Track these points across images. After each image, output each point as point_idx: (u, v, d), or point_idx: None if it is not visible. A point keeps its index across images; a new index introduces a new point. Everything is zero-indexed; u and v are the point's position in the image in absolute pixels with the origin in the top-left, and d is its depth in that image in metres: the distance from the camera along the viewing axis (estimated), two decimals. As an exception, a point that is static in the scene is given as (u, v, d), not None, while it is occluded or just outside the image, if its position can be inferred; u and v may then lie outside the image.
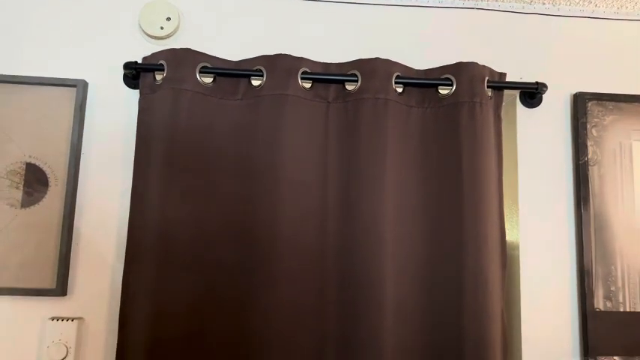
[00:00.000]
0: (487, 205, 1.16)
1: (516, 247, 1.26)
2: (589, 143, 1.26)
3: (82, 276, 1.16)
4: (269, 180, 1.16)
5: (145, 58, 1.20)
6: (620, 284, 1.22)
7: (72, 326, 1.13)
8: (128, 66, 1.17)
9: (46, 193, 1.18)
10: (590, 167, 1.26)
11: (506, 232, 1.23)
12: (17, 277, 1.14)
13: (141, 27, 1.24)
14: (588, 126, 1.27)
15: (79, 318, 1.15)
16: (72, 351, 1.12)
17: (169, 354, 1.10)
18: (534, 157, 1.28)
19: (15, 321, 1.14)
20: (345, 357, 1.13)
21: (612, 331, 1.20)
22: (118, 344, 1.09)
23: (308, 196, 1.18)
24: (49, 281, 1.15)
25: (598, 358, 1.19)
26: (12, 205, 1.16)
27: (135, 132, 1.20)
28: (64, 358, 1.12)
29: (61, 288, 1.14)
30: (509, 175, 1.29)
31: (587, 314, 1.21)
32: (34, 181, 1.18)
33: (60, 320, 1.13)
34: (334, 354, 1.13)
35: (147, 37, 1.25)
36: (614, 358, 1.20)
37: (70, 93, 1.20)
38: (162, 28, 1.24)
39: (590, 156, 1.26)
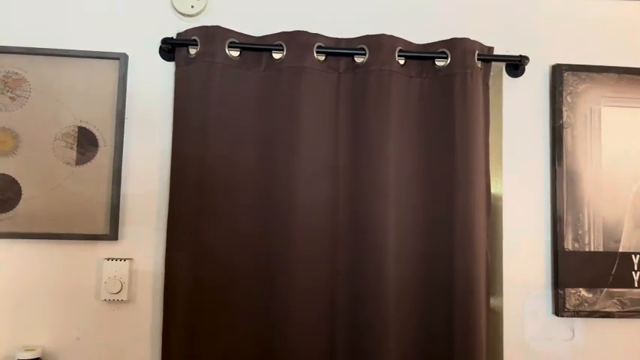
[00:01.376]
0: (475, 162, 1.37)
1: (500, 199, 1.47)
2: (564, 109, 1.46)
3: (130, 223, 1.36)
4: (288, 142, 1.35)
5: (179, 34, 1.36)
6: (586, 228, 1.44)
7: (124, 265, 1.34)
8: (165, 41, 1.34)
9: (96, 152, 1.36)
10: (564, 129, 1.46)
11: (491, 185, 1.43)
12: (76, 225, 1.34)
13: (173, 5, 1.40)
14: (564, 93, 1.46)
15: (130, 259, 1.35)
16: (125, 286, 1.33)
17: (205, 293, 1.31)
18: (517, 121, 1.48)
19: (77, 261, 1.34)
20: (353, 290, 1.34)
21: (578, 268, 1.43)
22: (165, 282, 1.30)
23: (322, 155, 1.37)
24: (102, 228, 1.35)
25: (566, 289, 1.42)
26: (68, 163, 1.35)
27: (171, 99, 1.37)
28: (119, 291, 1.33)
29: (113, 233, 1.34)
30: (495, 136, 1.49)
31: (558, 254, 1.43)
32: (86, 142, 1.36)
33: (114, 260, 1.34)
34: (345, 286, 1.34)
35: (178, 14, 1.41)
36: (580, 289, 1.43)
37: (114, 65, 1.37)
38: (192, 6, 1.40)
39: (564, 120, 1.46)
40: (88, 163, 1.36)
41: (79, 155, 1.35)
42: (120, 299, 1.32)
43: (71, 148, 1.35)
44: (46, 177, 1.34)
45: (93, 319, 1.33)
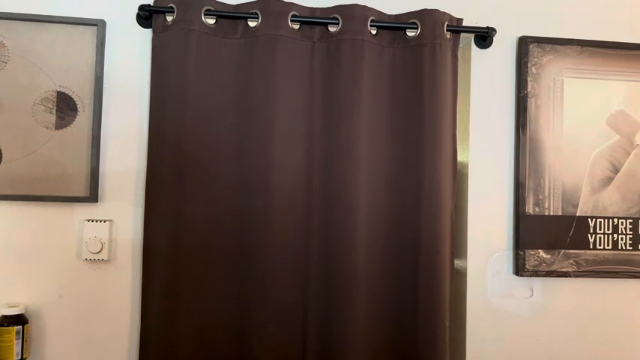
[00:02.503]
0: (443, 129, 1.43)
1: (466, 166, 1.55)
2: (529, 79, 1.53)
3: (110, 186, 1.41)
4: (264, 109, 1.40)
5: (156, 1, 1.39)
6: (546, 194, 1.52)
7: (104, 226, 1.39)
8: (143, 8, 1.37)
9: (75, 117, 1.40)
10: (528, 99, 1.53)
11: (458, 153, 1.50)
12: (57, 187, 1.38)
13: (150, -27, 1.42)
14: (529, 64, 1.53)
15: (110, 220, 1.40)
16: (106, 246, 1.38)
17: (184, 254, 1.36)
18: (484, 91, 1.54)
19: (58, 222, 1.39)
20: (325, 246, 1.41)
21: (538, 230, 1.52)
22: (144, 244, 1.36)
23: (297, 121, 1.42)
24: (83, 190, 1.39)
25: (526, 251, 1.51)
26: (47, 127, 1.38)
27: (149, 65, 1.41)
28: (100, 251, 1.38)
29: (93, 196, 1.38)
30: (463, 105, 1.55)
31: (519, 217, 1.51)
32: (65, 107, 1.39)
33: (94, 222, 1.38)
34: (318, 243, 1.41)
35: (155, -18, 1.44)
36: (539, 250, 1.52)
37: (92, 31, 1.40)
38: (169, -26, 1.42)
39: (529, 90, 1.53)
40: (68, 128, 1.39)
41: (59, 120, 1.39)
42: (100, 259, 1.38)
43: (50, 113, 1.39)
44: (26, 141, 1.37)
45: (74, 277, 1.39)
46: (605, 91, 1.55)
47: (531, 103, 1.53)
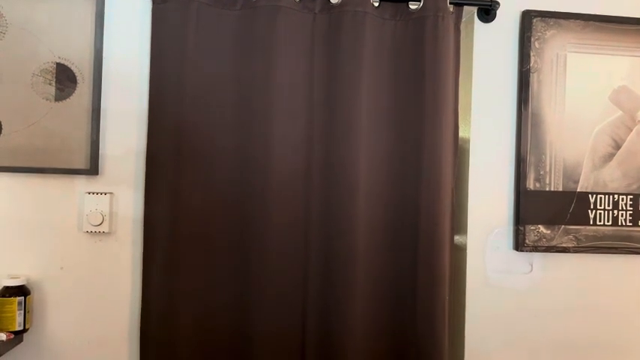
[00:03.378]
0: (444, 103, 1.42)
1: (467, 141, 1.54)
2: (532, 54, 1.51)
3: (110, 159, 1.40)
4: (264, 81, 1.39)
5: (155, -29, 1.37)
6: (547, 169, 1.52)
7: (105, 199, 1.39)
8: (142, -22, 1.35)
9: (75, 89, 1.39)
10: (531, 74, 1.51)
11: (460, 128, 1.49)
12: (57, 159, 1.37)
13: (149, -58, 1.40)
14: (532, 39, 1.51)
15: (110, 193, 1.40)
16: (107, 218, 1.38)
17: (184, 228, 1.36)
18: (487, 66, 1.53)
19: (59, 194, 1.39)
20: (325, 222, 1.41)
21: (539, 206, 1.51)
22: (144, 217, 1.36)
23: (297, 94, 1.41)
24: (83, 163, 1.39)
25: (526, 226, 1.51)
26: (47, 99, 1.37)
27: (149, 36, 1.39)
28: (101, 223, 1.38)
29: (94, 168, 1.38)
30: (465, 80, 1.54)
31: (520, 193, 1.51)
32: (64, 78, 1.38)
33: (95, 194, 1.38)
34: (318, 219, 1.41)
35: (155, -48, 1.42)
36: (539, 226, 1.52)
37: (91, 1, 1.38)
38: (168, -56, 1.40)
39: (532, 64, 1.51)
40: (68, 100, 1.38)
41: (58, 91, 1.38)
42: (102, 231, 1.38)
43: (50, 84, 1.38)
44: (26, 112, 1.36)
45: (76, 250, 1.39)
46: (608, 67, 1.53)
47: (534, 78, 1.52)
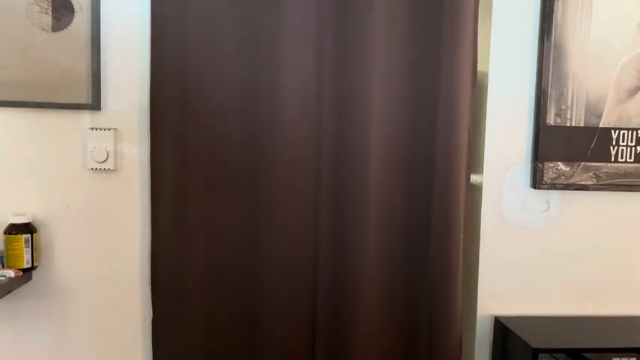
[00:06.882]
0: (463, 36, 1.35)
1: (486, 75, 1.46)
2: (557, -21, 1.42)
3: (113, 93, 1.34)
4: (270, 35, 1.31)
5: None
6: (569, 104, 1.45)
7: (109, 135, 1.34)
8: None
9: (72, 18, 1.31)
10: (555, 2, 1.42)
11: (478, 60, 1.42)
12: (57, 93, 1.32)
13: None
14: (558, -37, 1.41)
15: (114, 129, 1.35)
16: (111, 155, 1.34)
17: (193, 163, 1.32)
18: (508, -6, 1.44)
19: (61, 130, 1.34)
20: (336, 162, 1.36)
21: (559, 142, 1.46)
22: (151, 154, 1.32)
23: (307, 24, 1.33)
24: (85, 97, 1.33)
25: (545, 163, 1.46)
26: (44, 29, 1.30)
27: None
28: (105, 160, 1.33)
29: (96, 103, 1.33)
30: (485, 11, 1.45)
31: (540, 128, 1.45)
32: (61, 7, 1.30)
33: (98, 130, 1.33)
34: (329, 156, 1.36)
35: None
36: (558, 163, 1.46)
37: None
38: None
39: (556, -9, 1.42)
40: (65, 30, 1.31)
41: (55, 21, 1.30)
42: (107, 168, 1.34)
43: (46, 14, 1.30)
44: (22, 43, 1.30)
45: (81, 187, 1.35)
46: (638, -7, 1.44)
47: (558, 6, 1.42)
